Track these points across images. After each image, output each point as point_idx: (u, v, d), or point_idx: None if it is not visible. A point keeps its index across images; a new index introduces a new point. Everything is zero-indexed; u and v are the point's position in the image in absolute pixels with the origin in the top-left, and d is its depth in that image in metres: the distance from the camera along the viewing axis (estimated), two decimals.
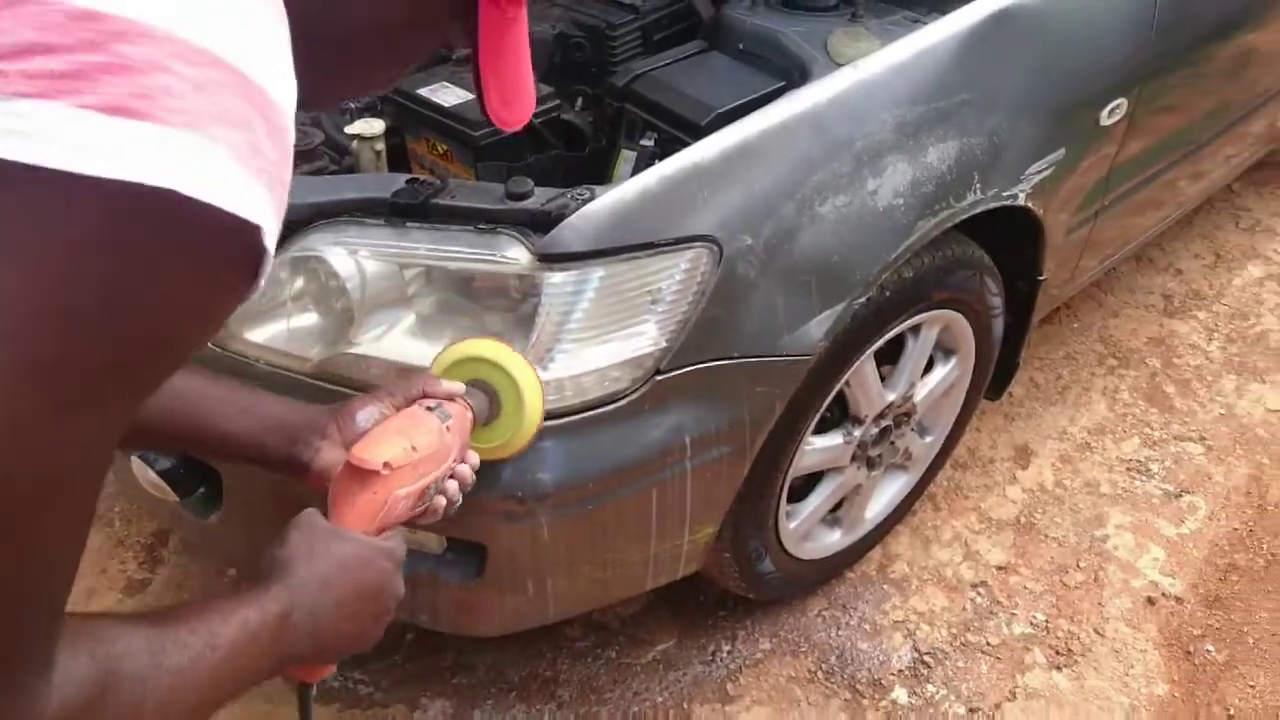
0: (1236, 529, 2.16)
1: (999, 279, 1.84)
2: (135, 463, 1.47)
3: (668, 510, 1.48)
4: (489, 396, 1.07)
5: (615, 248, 1.30)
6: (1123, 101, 1.80)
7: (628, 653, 1.90)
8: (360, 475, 0.85)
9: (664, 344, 1.35)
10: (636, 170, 1.51)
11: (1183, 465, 2.30)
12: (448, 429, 0.93)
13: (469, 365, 1.08)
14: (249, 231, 0.49)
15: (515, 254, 1.30)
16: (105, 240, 0.45)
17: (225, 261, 0.50)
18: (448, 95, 1.54)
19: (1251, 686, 1.86)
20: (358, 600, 0.83)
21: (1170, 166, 2.17)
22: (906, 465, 2.01)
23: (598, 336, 1.32)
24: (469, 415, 1.00)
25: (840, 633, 1.95)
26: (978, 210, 1.61)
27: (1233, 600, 2.01)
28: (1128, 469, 2.29)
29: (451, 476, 0.94)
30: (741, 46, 1.61)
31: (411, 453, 0.87)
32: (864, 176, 1.45)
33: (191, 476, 1.47)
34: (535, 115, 1.53)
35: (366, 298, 1.35)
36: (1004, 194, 1.64)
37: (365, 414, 0.99)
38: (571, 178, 1.54)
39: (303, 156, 1.45)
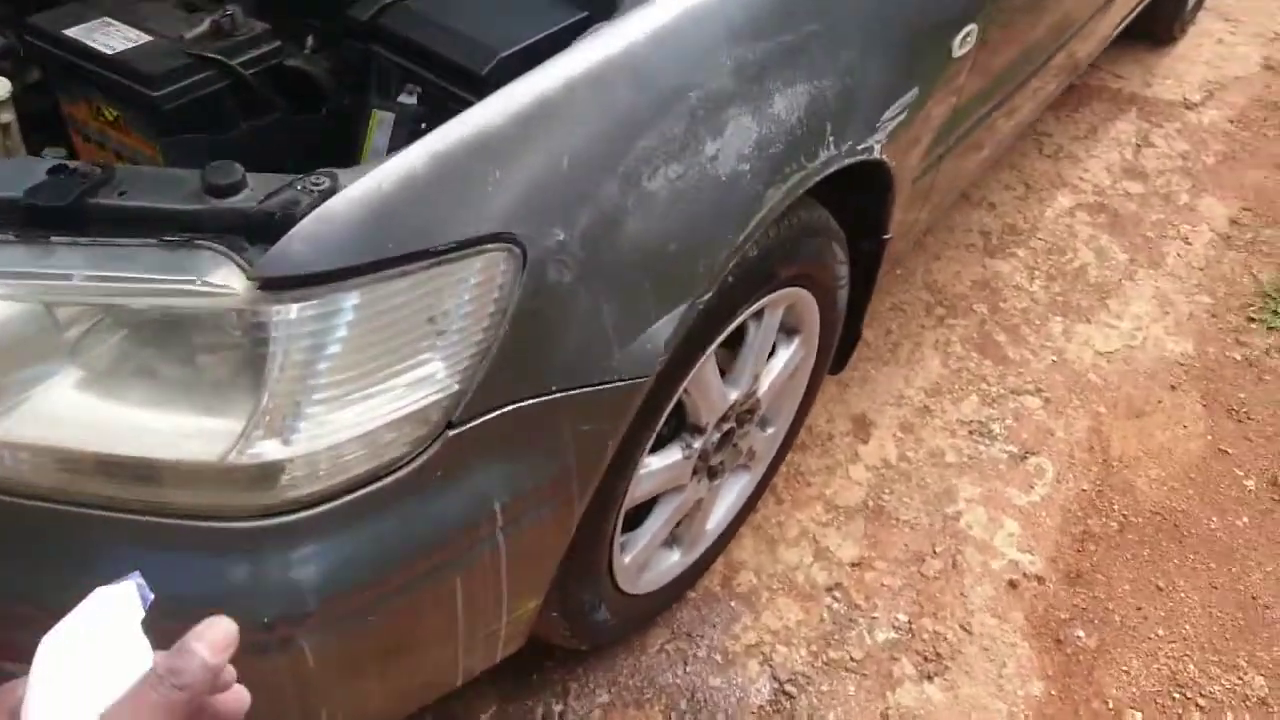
0: (1085, 490, 2.02)
1: (845, 244, 1.56)
2: None
3: (478, 595, 1.11)
4: None
5: (374, 262, 0.90)
6: (974, 28, 1.53)
7: None
8: None
9: (455, 386, 0.98)
10: (396, 139, 1.10)
11: (1023, 422, 2.14)
12: None
13: None
14: None
15: (224, 279, 0.88)
16: None
17: None
18: (111, 37, 1.07)
19: (1126, 672, 1.72)
20: None
21: (1000, 104, 1.95)
22: (749, 464, 1.73)
23: (360, 388, 0.93)
24: None
25: (688, 669, 1.66)
26: (830, 169, 1.30)
27: (1094, 574, 1.87)
28: (970, 432, 2.11)
29: None
30: None
31: None
32: (701, 138, 1.11)
33: None
34: (246, 64, 1.10)
35: None
36: (859, 147, 1.35)
37: None
38: (305, 151, 1.12)
39: None
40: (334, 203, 0.88)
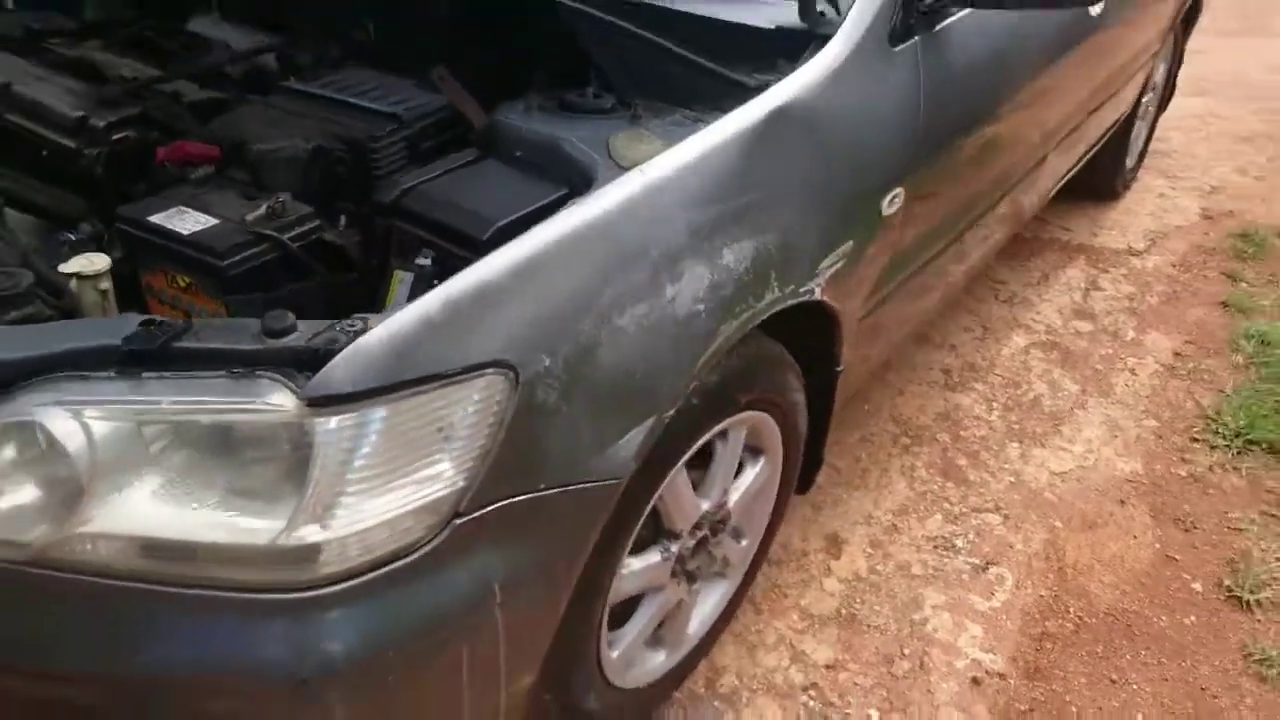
0: (1043, 595, 2.20)
1: (800, 374, 1.81)
2: None
3: (480, 666, 1.31)
4: None
5: (397, 383, 1.15)
6: (900, 190, 1.83)
7: None
8: None
9: (461, 483, 1.21)
10: (415, 292, 1.37)
11: (985, 537, 2.34)
12: None
13: None
14: None
15: (279, 400, 1.13)
16: None
17: None
18: (185, 221, 1.35)
19: None
20: None
21: (943, 251, 2.24)
22: (725, 573, 1.93)
23: (384, 484, 1.16)
24: None
25: None
26: (776, 309, 1.56)
27: (1051, 670, 2.03)
28: (935, 547, 2.31)
29: None
30: (518, 154, 1.51)
31: None
32: (662, 284, 1.37)
33: None
34: (293, 239, 1.38)
35: (98, 464, 1.13)
36: (801, 290, 1.61)
37: None
38: (341, 306, 1.38)
39: (9, 302, 1.22)
40: (366, 339, 1.14)
